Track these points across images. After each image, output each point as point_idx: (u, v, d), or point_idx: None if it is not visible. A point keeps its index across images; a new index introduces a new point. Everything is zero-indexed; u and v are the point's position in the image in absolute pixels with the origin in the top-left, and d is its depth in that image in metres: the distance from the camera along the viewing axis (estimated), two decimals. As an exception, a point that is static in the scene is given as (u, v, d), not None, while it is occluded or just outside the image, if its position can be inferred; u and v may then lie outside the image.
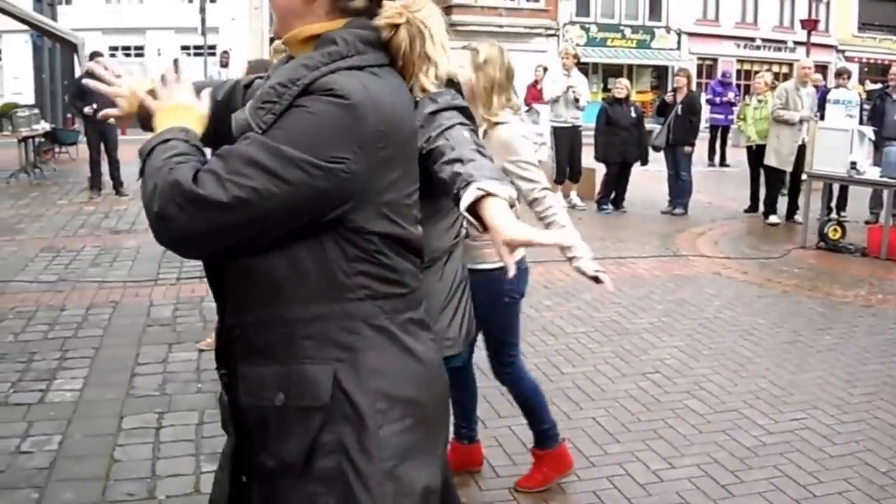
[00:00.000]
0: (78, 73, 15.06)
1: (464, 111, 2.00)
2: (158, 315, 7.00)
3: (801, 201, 11.63)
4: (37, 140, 16.24)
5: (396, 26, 1.84)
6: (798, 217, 11.70)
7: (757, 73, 17.87)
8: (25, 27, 19.75)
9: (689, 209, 12.67)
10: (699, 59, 39.29)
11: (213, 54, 25.99)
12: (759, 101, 12.92)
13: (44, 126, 16.90)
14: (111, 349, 6.13)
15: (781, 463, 4.59)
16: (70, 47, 14.85)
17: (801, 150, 11.65)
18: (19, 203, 13.02)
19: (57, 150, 17.70)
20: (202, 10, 26.68)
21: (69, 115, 22.00)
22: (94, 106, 12.02)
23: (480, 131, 3.72)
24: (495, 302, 3.89)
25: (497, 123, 3.81)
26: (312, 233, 1.74)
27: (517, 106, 4.04)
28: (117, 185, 13.63)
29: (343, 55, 1.77)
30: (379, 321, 1.81)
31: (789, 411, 5.29)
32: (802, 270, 9.28)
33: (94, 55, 13.49)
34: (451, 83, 2.02)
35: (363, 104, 1.71)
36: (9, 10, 15.29)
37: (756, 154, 12.61)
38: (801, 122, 11.55)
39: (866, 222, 11.72)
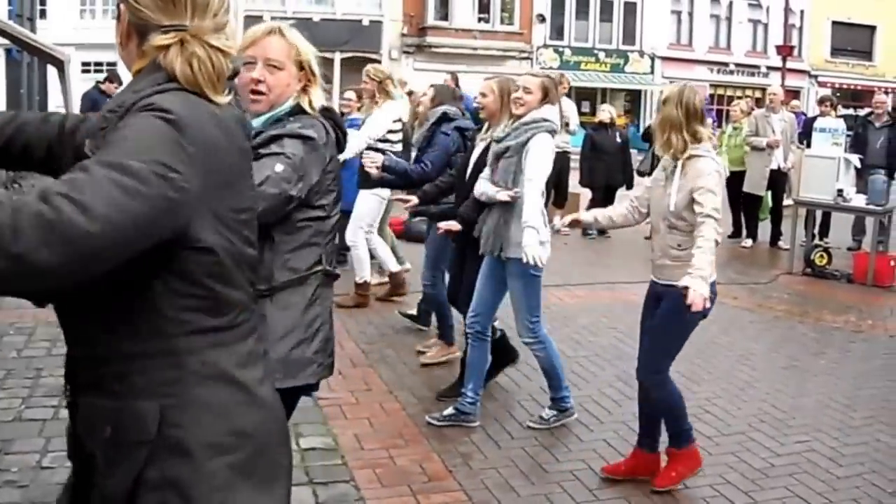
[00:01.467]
0: (59, 88, 15.04)
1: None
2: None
3: (784, 227, 11.89)
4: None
5: (165, 47, 1.89)
6: (782, 243, 11.95)
7: (730, 98, 18.13)
8: (1, 41, 19.62)
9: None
10: (671, 83, 39.43)
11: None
12: (735, 129, 13.06)
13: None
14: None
15: (791, 484, 4.72)
16: (55, 63, 14.77)
17: (779, 175, 11.93)
18: (4, 218, 12.92)
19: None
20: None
21: (94, 120, 21.90)
22: None
23: (676, 164, 4.35)
24: (680, 312, 4.20)
25: (693, 156, 4.26)
26: (140, 269, 1.69)
27: (705, 136, 4.40)
28: None
29: (169, 79, 1.78)
30: (206, 356, 1.81)
31: (794, 434, 5.42)
32: (791, 296, 9.49)
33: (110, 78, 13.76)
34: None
35: (185, 120, 1.71)
36: (-5, 24, 15.20)
37: (733, 180, 12.80)
38: (769, 147, 11.77)
39: (849, 248, 11.96)
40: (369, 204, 8.07)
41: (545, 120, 5.14)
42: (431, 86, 6.79)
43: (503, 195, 5.11)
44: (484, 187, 5.26)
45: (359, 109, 10.05)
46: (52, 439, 4.86)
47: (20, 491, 4.27)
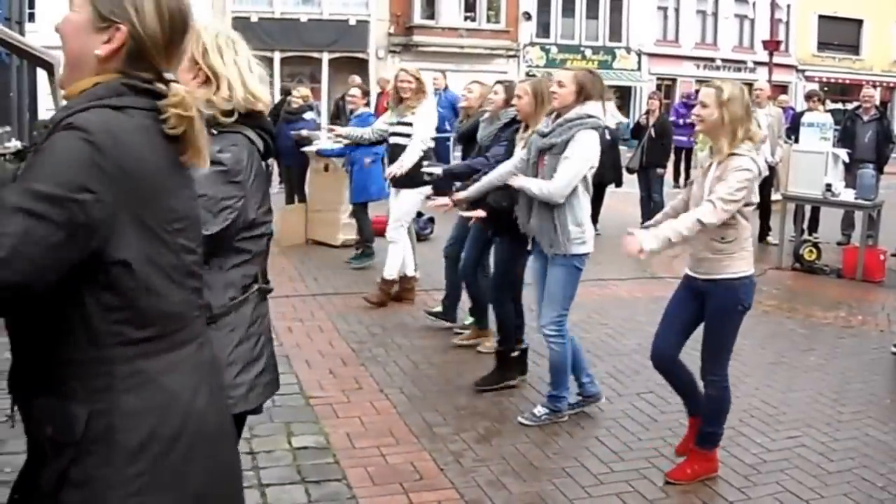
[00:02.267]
0: (48, 91, 14.94)
1: None
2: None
3: (773, 222, 11.90)
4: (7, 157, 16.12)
5: (182, 118, 1.90)
6: (771, 238, 11.96)
7: None
8: (-12, 43, 19.55)
9: (661, 231, 12.80)
10: (658, 79, 39.54)
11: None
12: None
13: (15, 144, 16.77)
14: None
15: (783, 479, 4.74)
16: (45, 66, 14.72)
17: (767, 170, 11.91)
18: None
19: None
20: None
21: (35, 134, 21.94)
22: None
23: (716, 162, 4.46)
24: (728, 310, 4.49)
25: (733, 154, 4.35)
26: (71, 282, 1.76)
27: (758, 137, 4.54)
28: None
29: (100, 97, 1.82)
30: (136, 365, 1.86)
31: (784, 429, 5.45)
32: (780, 291, 9.48)
33: None
34: None
35: (102, 136, 1.74)
36: (-17, 27, 15.14)
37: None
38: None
39: (838, 243, 11.96)
40: (413, 201, 8.15)
41: (589, 116, 5.19)
42: (499, 83, 6.78)
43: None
44: (527, 182, 5.27)
45: (366, 105, 10.19)
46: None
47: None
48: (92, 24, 1.87)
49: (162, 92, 1.89)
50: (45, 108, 14.48)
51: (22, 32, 18.42)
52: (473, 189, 5.83)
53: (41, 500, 1.86)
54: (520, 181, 5.28)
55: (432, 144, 8.16)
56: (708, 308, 4.58)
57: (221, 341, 2.71)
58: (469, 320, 7.23)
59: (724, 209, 4.28)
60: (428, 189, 7.88)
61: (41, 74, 18.90)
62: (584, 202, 5.27)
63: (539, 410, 5.46)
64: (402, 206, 8.11)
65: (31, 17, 24.94)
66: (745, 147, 4.39)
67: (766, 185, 12.05)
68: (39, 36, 20.45)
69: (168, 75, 1.93)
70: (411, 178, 7.67)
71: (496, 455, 4.95)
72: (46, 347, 1.82)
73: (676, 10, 41.01)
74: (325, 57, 35.46)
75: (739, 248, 4.48)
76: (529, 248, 5.68)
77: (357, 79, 16.82)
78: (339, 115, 16.14)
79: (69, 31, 1.90)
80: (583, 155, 5.14)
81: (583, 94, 5.19)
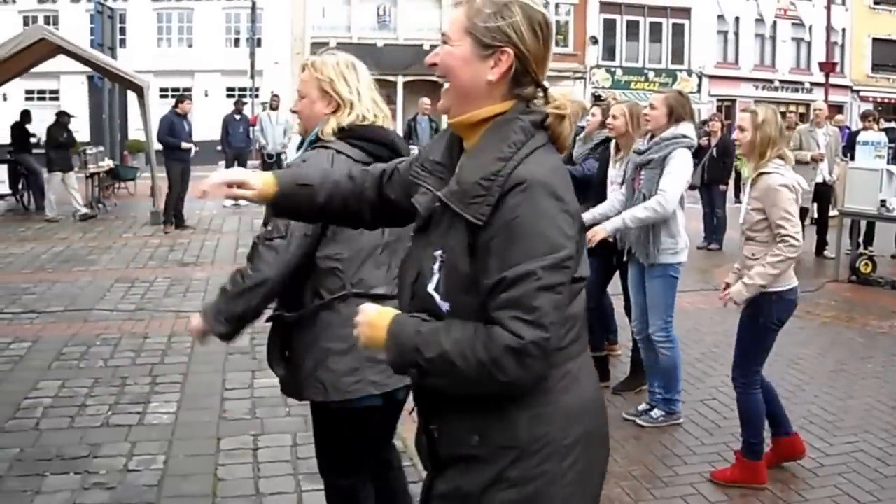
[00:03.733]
0: (138, 112, 15.64)
1: None
2: (237, 344, 7.29)
3: (830, 237, 12.04)
4: (101, 176, 16.95)
5: (562, 116, 2.04)
6: (828, 252, 12.12)
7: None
8: (83, 69, 20.46)
9: (723, 245, 13.01)
10: (718, 100, 39.99)
11: (257, 96, 26.70)
12: None
13: (108, 163, 17.59)
14: (199, 375, 6.53)
15: (841, 483, 4.87)
16: (135, 89, 15.43)
17: (824, 187, 12.09)
18: (87, 235, 13.67)
19: (116, 185, 18.45)
20: (252, 55, 27.41)
21: (125, 153, 22.87)
22: (193, 143, 13.66)
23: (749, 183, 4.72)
24: (749, 321, 4.74)
25: (763, 173, 4.58)
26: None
27: (789, 158, 4.74)
28: (181, 219, 14.32)
29: (524, 142, 1.95)
30: (564, 367, 2.01)
31: (842, 435, 5.57)
32: (838, 303, 9.61)
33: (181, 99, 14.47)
34: None
35: (562, 188, 1.93)
36: (82, 54, 15.95)
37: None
38: (814, 160, 11.85)
39: (892, 256, 12.25)
40: None
41: (684, 136, 5.49)
42: (597, 105, 7.06)
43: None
44: (636, 213, 5.46)
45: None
46: (138, 444, 5.23)
47: (108, 493, 4.59)
48: (475, 53, 1.97)
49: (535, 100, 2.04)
50: (135, 128, 15.14)
51: (114, 57, 19.25)
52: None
53: (461, 501, 2.02)
54: (630, 215, 5.44)
55: None
56: (741, 317, 4.81)
57: None
58: None
59: (795, 236, 4.51)
60: None
61: (131, 97, 19.75)
62: (678, 215, 5.52)
63: (656, 413, 5.71)
64: None
65: (122, 43, 25.97)
66: (772, 165, 4.60)
67: (824, 201, 12.22)
68: (130, 61, 21.40)
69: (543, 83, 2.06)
70: None
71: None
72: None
73: (736, 34, 41.43)
74: (400, 80, 36.04)
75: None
76: (624, 258, 5.86)
77: (426, 100, 17.26)
78: (410, 135, 16.60)
79: (455, 65, 2.00)
80: (682, 171, 5.44)
81: (674, 115, 5.47)
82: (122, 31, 26.66)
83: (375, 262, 3.14)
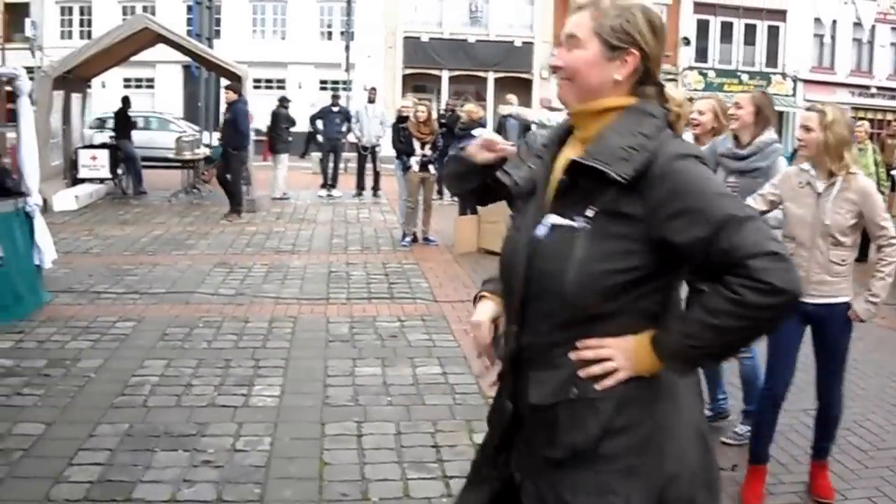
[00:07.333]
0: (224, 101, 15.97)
1: None
2: (337, 331, 7.42)
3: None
4: (199, 163, 17.29)
5: (679, 116, 2.15)
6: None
7: (871, 121, 17.78)
8: (179, 58, 20.88)
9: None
10: (820, 104, 38.80)
11: (348, 89, 26.94)
12: (860, 150, 12.64)
13: (204, 150, 17.89)
14: (300, 360, 6.56)
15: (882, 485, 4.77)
16: (233, 79, 15.66)
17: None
18: (185, 220, 13.94)
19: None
20: (347, 49, 27.66)
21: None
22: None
23: (830, 185, 4.39)
24: (848, 331, 4.52)
25: (852, 174, 4.35)
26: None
27: (856, 158, 4.56)
28: (236, 207, 14.53)
29: (662, 128, 2.06)
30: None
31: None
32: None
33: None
34: None
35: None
36: (183, 43, 16.29)
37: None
38: None
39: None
40: None
41: (778, 142, 5.33)
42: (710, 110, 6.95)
43: None
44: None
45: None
46: (244, 424, 5.27)
47: (217, 471, 4.64)
48: (602, 55, 2.06)
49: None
50: (223, 114, 15.37)
51: (210, 47, 19.58)
52: None
53: (575, 462, 2.05)
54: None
55: None
56: (828, 333, 4.51)
57: None
58: None
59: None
60: None
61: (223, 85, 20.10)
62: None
63: (741, 429, 5.43)
64: None
65: (217, 34, 26.41)
66: (854, 167, 4.39)
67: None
68: (225, 51, 21.74)
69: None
70: None
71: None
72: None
73: (833, 38, 40.33)
74: (491, 76, 36.04)
75: (850, 271, 4.44)
76: None
77: (514, 97, 17.28)
78: (500, 131, 16.56)
79: (584, 67, 2.08)
80: None
81: (762, 117, 5.26)
82: (217, 21, 27.09)
83: None
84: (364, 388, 5.98)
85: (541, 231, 2.09)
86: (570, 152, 2.12)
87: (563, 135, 2.24)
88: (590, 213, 2.00)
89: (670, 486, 2.01)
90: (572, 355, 2.04)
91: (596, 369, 2.02)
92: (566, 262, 2.00)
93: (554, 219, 2.06)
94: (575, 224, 2.01)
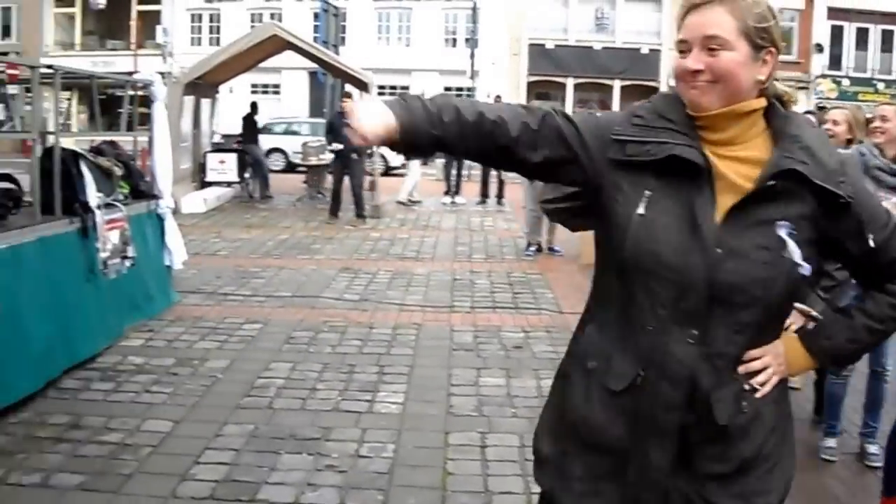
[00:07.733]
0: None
1: None
2: (461, 340, 7.36)
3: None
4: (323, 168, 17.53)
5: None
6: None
7: None
8: (305, 64, 21.24)
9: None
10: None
11: (472, 97, 26.99)
12: None
13: (329, 156, 18.13)
14: (424, 368, 6.51)
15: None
16: (360, 85, 15.85)
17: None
18: (310, 225, 14.14)
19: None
20: (472, 56, 27.77)
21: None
22: (342, 145, 13.85)
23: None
24: None
25: None
26: None
27: None
28: (360, 212, 14.73)
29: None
30: None
31: None
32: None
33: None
34: None
35: None
36: (310, 50, 16.57)
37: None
38: None
39: None
40: None
41: None
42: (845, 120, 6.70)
43: None
44: None
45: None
46: (368, 431, 5.24)
47: (341, 476, 4.62)
48: (750, 55, 2.00)
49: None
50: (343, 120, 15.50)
51: (337, 54, 19.91)
52: None
53: (741, 468, 2.06)
54: None
55: None
56: None
57: None
58: None
59: None
60: None
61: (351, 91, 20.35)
62: None
63: (875, 448, 5.16)
64: None
65: (342, 41, 26.84)
66: None
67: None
68: (350, 58, 22.09)
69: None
70: None
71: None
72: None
73: (977, 46, 38.26)
74: (617, 84, 35.63)
75: None
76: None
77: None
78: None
79: (736, 69, 1.99)
80: None
81: None
82: (343, 28, 27.54)
83: None
84: (488, 399, 5.88)
85: (760, 239, 1.98)
86: (716, 150, 2.04)
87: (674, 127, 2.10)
88: (792, 218, 1.98)
89: (793, 471, 2.16)
90: (741, 368, 2.05)
91: (762, 378, 2.07)
92: (776, 269, 1.97)
93: (780, 225, 1.98)
94: (782, 229, 1.97)
